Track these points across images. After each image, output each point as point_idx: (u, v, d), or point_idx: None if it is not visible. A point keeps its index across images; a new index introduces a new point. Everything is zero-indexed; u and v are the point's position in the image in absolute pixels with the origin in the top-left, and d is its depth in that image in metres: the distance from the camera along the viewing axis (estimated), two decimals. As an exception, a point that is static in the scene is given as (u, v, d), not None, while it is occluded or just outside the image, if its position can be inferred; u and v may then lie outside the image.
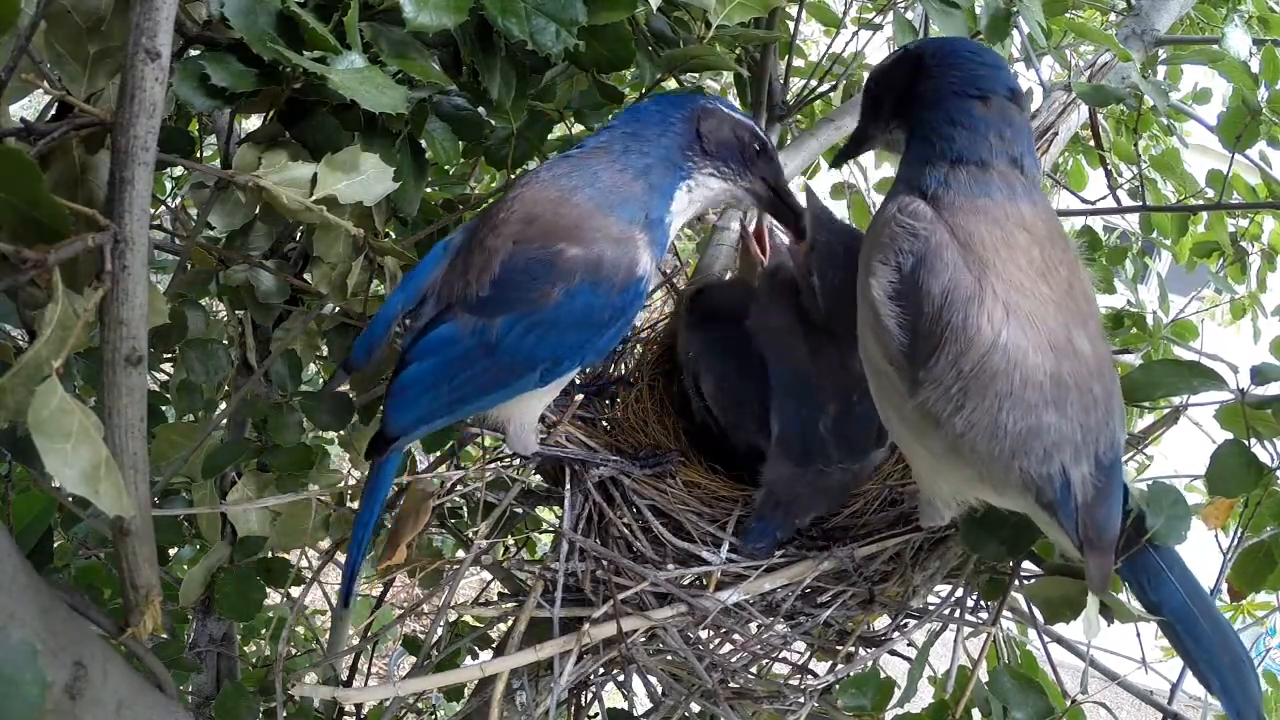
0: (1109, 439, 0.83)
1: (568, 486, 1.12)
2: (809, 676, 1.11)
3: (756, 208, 1.07)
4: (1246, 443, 0.97)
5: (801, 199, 1.11)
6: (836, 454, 1.09)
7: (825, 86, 1.75)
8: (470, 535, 1.38)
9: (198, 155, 1.33)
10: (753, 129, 1.01)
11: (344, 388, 1.21)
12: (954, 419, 0.81)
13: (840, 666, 1.06)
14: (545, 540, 1.80)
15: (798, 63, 1.95)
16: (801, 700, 1.01)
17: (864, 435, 1.10)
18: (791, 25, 1.59)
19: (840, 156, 1.19)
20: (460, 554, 1.52)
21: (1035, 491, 0.82)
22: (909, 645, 1.09)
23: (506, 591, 1.22)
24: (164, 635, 1.21)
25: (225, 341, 1.30)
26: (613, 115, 1.05)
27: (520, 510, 1.23)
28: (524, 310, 0.90)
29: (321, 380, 1.95)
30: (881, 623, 1.11)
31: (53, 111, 0.87)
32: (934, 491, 0.94)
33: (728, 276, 1.47)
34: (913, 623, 1.07)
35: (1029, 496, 0.83)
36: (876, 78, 0.99)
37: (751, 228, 1.29)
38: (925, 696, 1.08)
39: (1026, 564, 1.03)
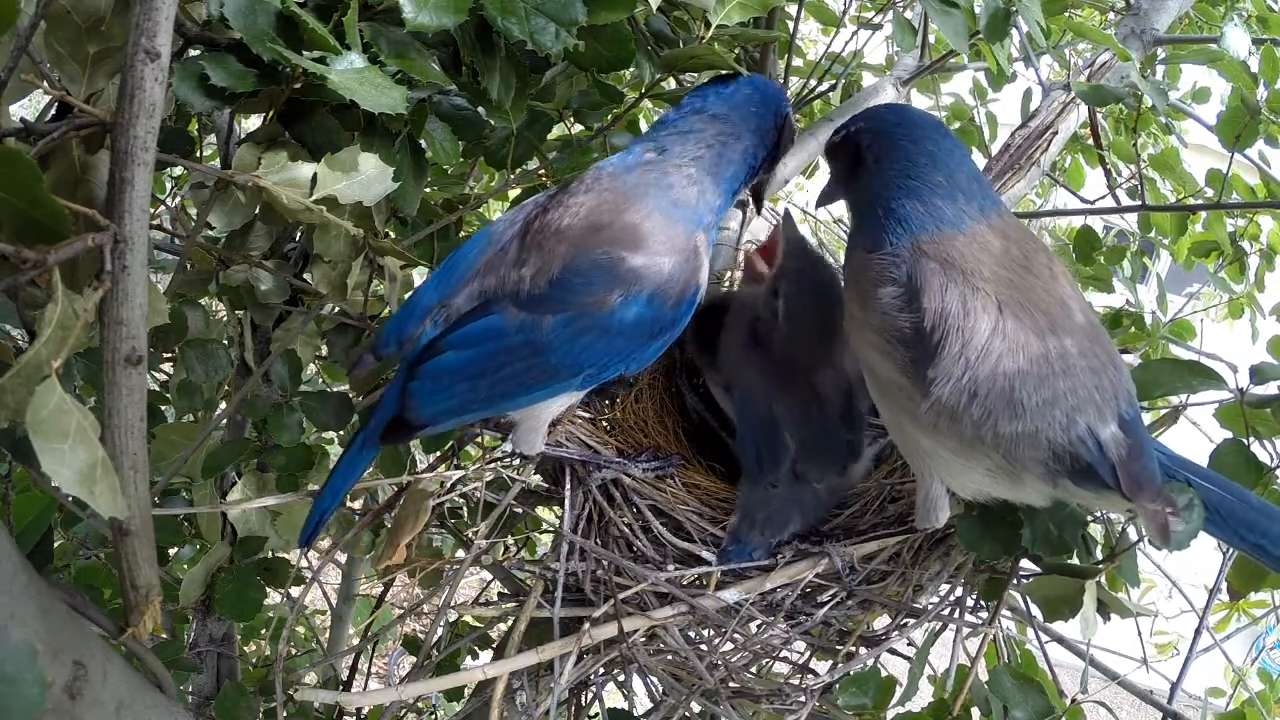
0: (1126, 396, 0.84)
1: (568, 486, 1.12)
2: (809, 675, 1.11)
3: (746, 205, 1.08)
4: (1246, 442, 0.97)
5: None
6: (804, 472, 1.08)
7: (825, 86, 1.75)
8: (470, 535, 1.38)
9: (198, 155, 1.33)
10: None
11: (344, 388, 1.21)
12: (970, 408, 0.82)
13: (840, 665, 1.06)
14: (545, 540, 1.79)
15: (797, 62, 1.95)
16: (802, 699, 1.01)
17: (832, 450, 1.10)
18: (791, 25, 1.59)
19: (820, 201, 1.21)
20: (460, 554, 1.52)
21: (1070, 459, 0.81)
22: (909, 645, 1.10)
23: (506, 591, 1.22)
24: (164, 635, 1.21)
25: (225, 341, 1.30)
26: (700, 92, 0.97)
27: (520, 510, 1.23)
28: (578, 313, 0.88)
29: (321, 380, 1.95)
30: (881, 622, 1.11)
31: (53, 111, 0.87)
32: (955, 488, 0.93)
33: (735, 289, 1.44)
34: (912, 622, 1.07)
35: (1062, 469, 0.82)
36: (828, 152, 1.02)
37: (753, 243, 1.29)
38: (925, 695, 1.08)
39: (1025, 563, 1.03)
